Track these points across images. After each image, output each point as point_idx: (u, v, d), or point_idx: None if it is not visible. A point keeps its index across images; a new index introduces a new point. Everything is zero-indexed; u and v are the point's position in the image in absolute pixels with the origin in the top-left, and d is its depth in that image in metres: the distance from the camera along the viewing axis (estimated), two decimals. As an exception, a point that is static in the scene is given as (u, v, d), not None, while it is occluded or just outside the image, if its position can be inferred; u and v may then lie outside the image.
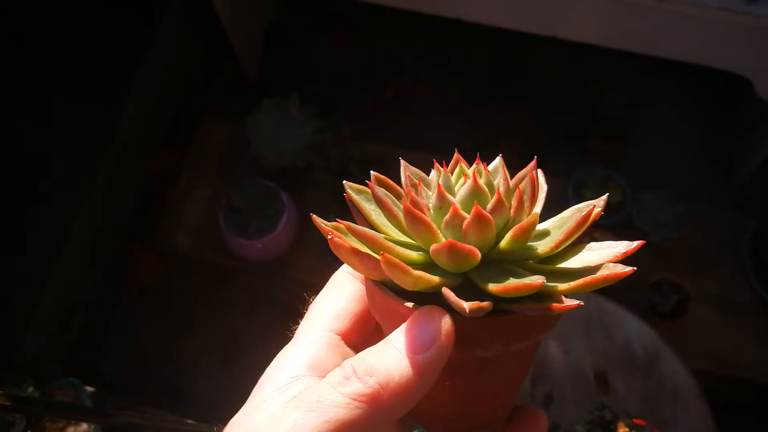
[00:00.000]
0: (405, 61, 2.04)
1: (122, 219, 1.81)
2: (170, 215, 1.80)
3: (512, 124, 1.92)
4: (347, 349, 0.32)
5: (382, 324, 0.32)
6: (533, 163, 0.32)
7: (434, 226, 0.30)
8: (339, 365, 0.30)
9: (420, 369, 0.27)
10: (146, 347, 1.74)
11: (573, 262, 0.31)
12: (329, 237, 0.29)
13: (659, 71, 1.86)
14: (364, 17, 2.03)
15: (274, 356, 0.32)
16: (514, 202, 0.30)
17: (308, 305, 0.34)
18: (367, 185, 0.33)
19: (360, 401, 0.26)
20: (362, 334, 0.33)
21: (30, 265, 1.58)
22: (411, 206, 0.29)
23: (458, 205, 0.29)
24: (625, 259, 0.30)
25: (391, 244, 0.30)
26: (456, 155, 0.33)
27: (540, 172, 0.34)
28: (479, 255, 0.29)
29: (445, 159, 0.33)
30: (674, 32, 1.43)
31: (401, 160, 0.34)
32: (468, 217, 0.29)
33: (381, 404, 0.26)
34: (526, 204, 0.31)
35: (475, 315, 0.27)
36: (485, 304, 0.27)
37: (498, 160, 0.33)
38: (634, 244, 0.29)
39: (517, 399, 0.34)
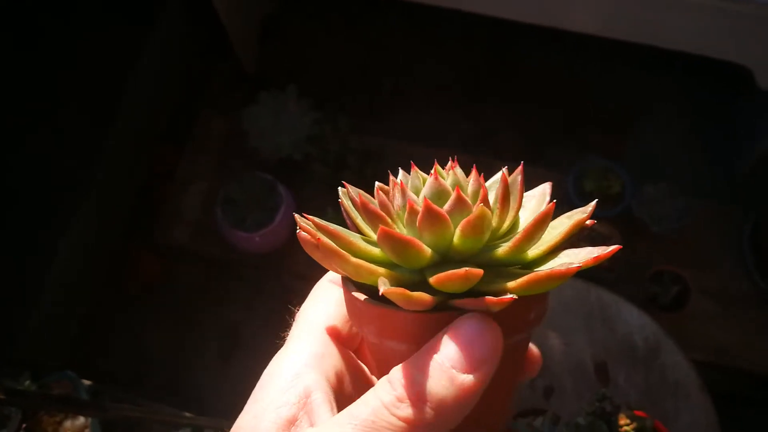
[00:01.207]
0: (403, 55, 2.03)
1: (121, 214, 1.81)
2: (168, 210, 1.79)
3: (511, 118, 1.91)
4: (343, 349, 0.32)
5: (355, 324, 0.31)
6: (519, 168, 0.32)
7: (386, 217, 0.29)
8: (336, 365, 0.30)
9: (472, 390, 0.26)
10: (145, 342, 1.74)
11: (548, 266, 0.30)
12: (297, 231, 0.29)
13: (659, 66, 1.85)
14: (362, 10, 2.02)
15: (274, 349, 0.32)
16: (476, 202, 0.29)
17: (294, 315, 0.34)
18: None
19: (413, 425, 0.25)
20: (355, 336, 0.33)
21: (29, 262, 1.57)
22: (366, 200, 0.29)
23: (417, 203, 0.29)
24: (622, 252, 0.29)
25: (352, 239, 0.30)
26: (452, 162, 0.32)
27: (548, 185, 0.33)
28: (423, 247, 0.28)
29: (443, 152, 0.33)
30: (675, 21, 1.42)
31: (400, 171, 0.33)
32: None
33: (432, 429, 0.26)
34: (495, 205, 0.30)
35: (400, 303, 0.27)
36: (419, 295, 0.26)
37: (499, 174, 0.33)
38: (609, 249, 0.28)
39: (508, 407, 0.33)
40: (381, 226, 0.27)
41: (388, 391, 0.26)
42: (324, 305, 0.33)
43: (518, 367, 0.32)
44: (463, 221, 0.28)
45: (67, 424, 0.93)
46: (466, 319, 0.27)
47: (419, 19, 1.93)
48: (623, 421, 0.98)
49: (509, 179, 0.31)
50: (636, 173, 1.69)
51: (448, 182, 0.30)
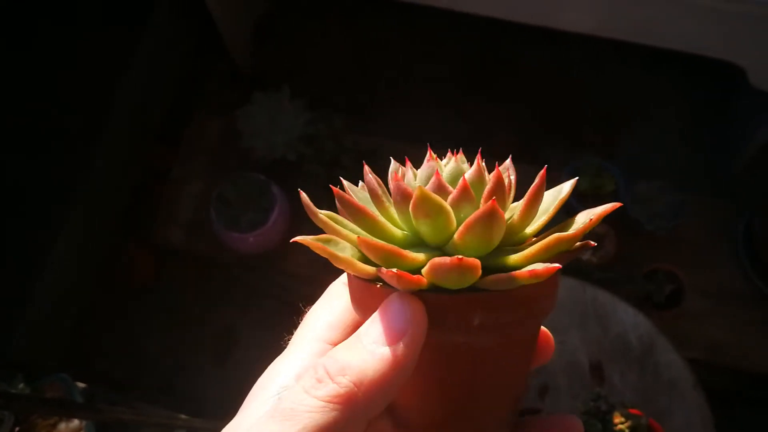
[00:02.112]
0: (399, 54, 2.03)
1: (116, 214, 1.81)
2: (163, 209, 1.79)
3: (507, 117, 1.91)
4: None
5: (355, 309, 0.31)
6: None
7: (380, 194, 0.31)
8: None
9: (394, 360, 0.26)
10: (140, 342, 1.73)
11: (508, 260, 0.29)
12: (301, 193, 0.31)
13: (654, 65, 1.86)
14: (358, 10, 2.02)
15: (267, 351, 0.32)
16: (455, 191, 0.29)
17: (303, 316, 0.33)
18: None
19: (335, 403, 0.25)
20: None
21: (23, 262, 1.57)
22: (366, 171, 0.31)
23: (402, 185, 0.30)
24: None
25: (362, 204, 0.31)
26: (453, 153, 0.32)
27: (572, 182, 0.32)
28: (378, 217, 0.29)
29: (439, 152, 0.33)
30: (669, 20, 1.42)
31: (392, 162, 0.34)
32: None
33: (357, 403, 0.25)
34: (480, 194, 0.29)
35: (328, 258, 0.28)
36: (346, 257, 0.27)
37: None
38: (549, 266, 0.27)
39: (512, 407, 0.31)
40: (333, 188, 0.29)
41: (310, 376, 0.26)
42: (329, 313, 0.33)
43: (485, 378, 0.29)
44: (411, 202, 0.28)
45: (61, 426, 0.93)
46: (391, 296, 0.27)
47: (416, 18, 1.93)
48: (618, 419, 0.98)
49: (499, 172, 0.30)
50: (630, 172, 1.69)
51: (440, 169, 0.30)
